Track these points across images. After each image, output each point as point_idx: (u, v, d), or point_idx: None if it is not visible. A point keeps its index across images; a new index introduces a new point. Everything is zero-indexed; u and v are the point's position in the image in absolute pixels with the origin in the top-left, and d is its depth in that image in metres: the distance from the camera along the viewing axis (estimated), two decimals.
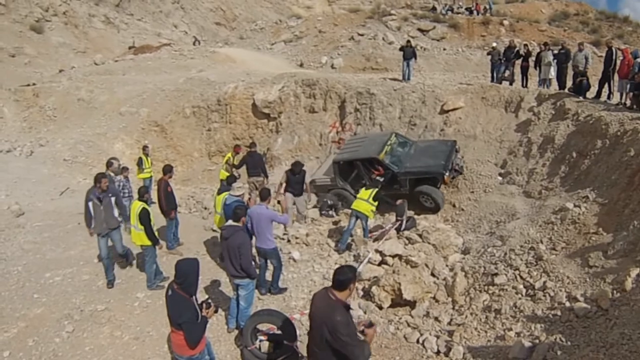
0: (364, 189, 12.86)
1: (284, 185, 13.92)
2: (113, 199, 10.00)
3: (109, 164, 13.70)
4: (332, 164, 16.02)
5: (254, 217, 9.25)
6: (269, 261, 9.85)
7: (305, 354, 7.75)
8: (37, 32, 34.66)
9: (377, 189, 12.74)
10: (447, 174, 14.12)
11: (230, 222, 8.28)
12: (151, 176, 17.09)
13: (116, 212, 10.08)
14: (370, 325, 5.37)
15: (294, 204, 14.12)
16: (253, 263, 8.34)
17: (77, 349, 7.89)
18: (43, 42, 34.42)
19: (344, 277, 5.15)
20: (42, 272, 10.29)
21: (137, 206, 9.63)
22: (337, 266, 11.17)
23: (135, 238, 9.78)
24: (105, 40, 38.99)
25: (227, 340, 8.64)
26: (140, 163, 16.83)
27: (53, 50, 34.23)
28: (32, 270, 10.41)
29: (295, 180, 13.83)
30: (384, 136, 16.11)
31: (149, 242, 9.67)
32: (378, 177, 14.61)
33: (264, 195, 9.68)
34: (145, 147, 17.85)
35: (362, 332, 5.28)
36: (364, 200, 12.42)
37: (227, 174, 14.39)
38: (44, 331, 8.28)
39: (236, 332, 8.69)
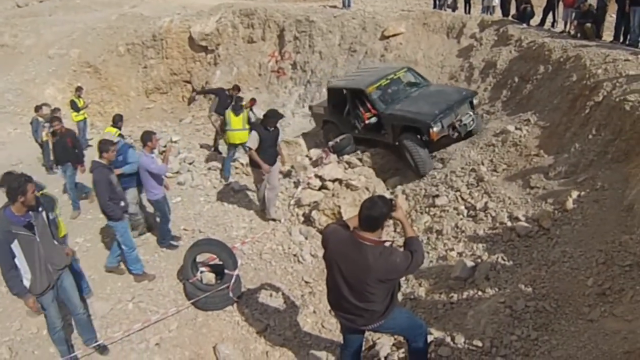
0: (233, 115, 12.02)
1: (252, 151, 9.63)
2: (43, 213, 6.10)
3: (37, 109, 13.12)
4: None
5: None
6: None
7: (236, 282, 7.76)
8: None
9: (247, 111, 12.29)
10: (435, 128, 10.96)
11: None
12: (85, 118, 16.44)
13: None
14: (391, 207, 4.29)
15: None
16: (118, 203, 7.53)
17: (17, 302, 7.20)
18: None
19: (377, 213, 4.09)
20: None
21: (113, 132, 10.39)
22: (278, 194, 11.21)
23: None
24: None
25: (169, 276, 8.47)
26: (73, 105, 16.10)
27: None
28: None
29: (268, 139, 9.70)
30: (391, 69, 13.74)
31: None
32: (368, 119, 12.36)
33: (144, 139, 8.45)
34: (78, 89, 17.06)
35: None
36: (239, 130, 12.01)
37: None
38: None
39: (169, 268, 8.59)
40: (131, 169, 8.64)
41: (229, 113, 12.18)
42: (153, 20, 22.47)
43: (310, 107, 15.39)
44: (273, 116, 9.79)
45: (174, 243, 9.30)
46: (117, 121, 11.28)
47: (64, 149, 10.64)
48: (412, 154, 11.21)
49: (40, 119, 13.03)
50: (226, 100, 13.54)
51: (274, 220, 10.30)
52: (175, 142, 15.57)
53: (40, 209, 5.66)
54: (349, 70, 17.14)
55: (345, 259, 4.29)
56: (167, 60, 21.77)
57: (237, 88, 14.26)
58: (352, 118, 12.93)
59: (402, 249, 4.43)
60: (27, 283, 5.49)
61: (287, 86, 18.86)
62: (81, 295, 6.64)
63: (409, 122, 11.46)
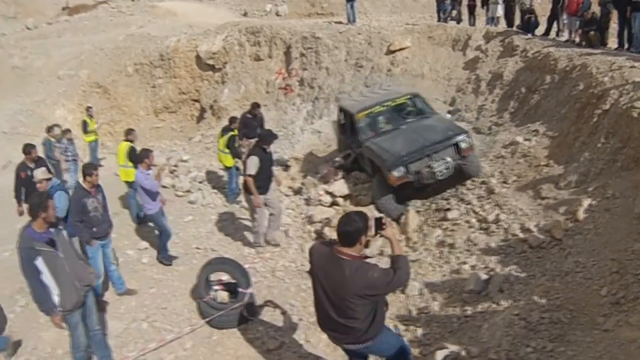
0: (220, 135, 12.06)
1: (252, 175, 9.02)
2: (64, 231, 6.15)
3: (48, 130, 13.29)
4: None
5: None
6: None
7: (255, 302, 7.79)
8: None
9: (230, 134, 12.15)
10: (395, 172, 9.89)
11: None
12: (96, 139, 16.63)
13: None
14: (380, 224, 4.27)
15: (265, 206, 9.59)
16: (90, 227, 7.48)
17: (32, 322, 7.54)
18: None
19: (352, 228, 4.05)
20: None
21: (124, 146, 10.71)
22: (289, 212, 11.27)
23: (124, 176, 10.55)
24: (36, 3, 37.00)
25: (182, 295, 8.50)
26: (84, 126, 16.29)
27: None
28: None
29: (266, 161, 9.25)
30: (395, 94, 12.63)
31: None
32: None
33: (141, 156, 8.91)
34: (88, 108, 17.26)
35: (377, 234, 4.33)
36: (221, 151, 12.17)
37: None
38: None
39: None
40: (58, 213, 8.07)
41: (219, 133, 12.22)
42: (160, 40, 22.63)
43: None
44: (269, 136, 9.56)
45: (169, 261, 9.50)
46: (128, 134, 11.41)
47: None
48: (374, 196, 10.58)
49: (52, 140, 13.19)
50: (251, 122, 13.34)
51: (277, 245, 9.96)
52: (185, 161, 15.72)
53: (60, 226, 5.75)
54: (356, 85, 17.21)
55: (325, 274, 4.30)
56: (175, 80, 21.89)
57: (253, 105, 13.92)
58: (349, 139, 12.33)
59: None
60: (56, 299, 5.53)
61: (295, 103, 18.89)
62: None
63: (376, 160, 10.60)
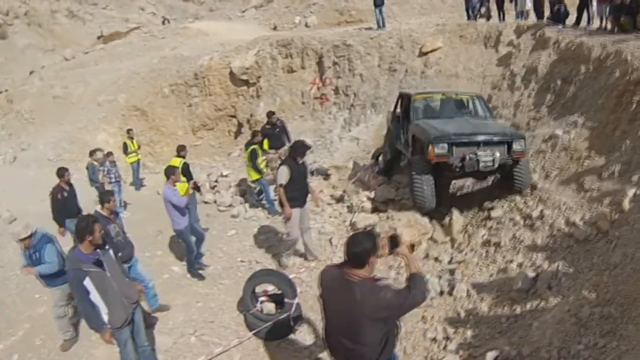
0: (245, 151, 12.17)
1: (282, 185, 8.93)
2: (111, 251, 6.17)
3: (91, 154, 13.65)
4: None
5: None
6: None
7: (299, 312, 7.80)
8: (0, 37, 33.89)
9: (252, 148, 12.24)
10: (436, 147, 9.35)
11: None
12: (138, 159, 17.01)
13: None
14: (395, 242, 4.11)
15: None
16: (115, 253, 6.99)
17: (83, 341, 7.74)
18: (9, 46, 34.02)
19: (359, 249, 3.91)
20: None
21: (177, 162, 11.01)
22: (332, 220, 11.31)
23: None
24: (72, 34, 38.42)
25: (229, 308, 8.59)
26: (125, 148, 16.70)
27: (20, 53, 33.82)
28: None
29: (298, 172, 9.00)
30: (461, 91, 12.75)
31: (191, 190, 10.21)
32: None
33: (167, 173, 9.11)
34: (129, 131, 17.67)
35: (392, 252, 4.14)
36: (247, 165, 12.48)
37: None
38: (49, 329, 8.08)
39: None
40: (49, 269, 7.32)
41: (244, 147, 12.44)
42: (193, 59, 23.05)
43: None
44: (301, 147, 9.24)
45: (201, 272, 9.70)
46: (180, 151, 11.75)
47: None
48: (413, 179, 9.81)
49: (95, 163, 13.55)
50: (272, 132, 13.52)
51: (316, 259, 9.75)
52: (225, 176, 15.92)
53: (107, 247, 5.92)
54: (392, 90, 17.15)
55: (336, 297, 4.15)
56: (210, 97, 22.24)
57: (268, 114, 14.11)
58: (401, 125, 11.89)
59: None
60: (105, 318, 5.69)
61: (332, 112, 19.03)
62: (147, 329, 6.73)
63: (421, 136, 10.08)
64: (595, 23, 14.96)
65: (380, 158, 13.22)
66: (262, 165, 12.36)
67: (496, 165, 9.43)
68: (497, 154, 9.36)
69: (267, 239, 11.14)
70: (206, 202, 13.56)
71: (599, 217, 7.63)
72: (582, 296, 6.06)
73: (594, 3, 14.79)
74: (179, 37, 29.33)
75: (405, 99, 11.98)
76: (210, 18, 35.76)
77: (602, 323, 5.46)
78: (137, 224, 11.97)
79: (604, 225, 7.41)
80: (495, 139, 9.56)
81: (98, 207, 7.68)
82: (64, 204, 9.92)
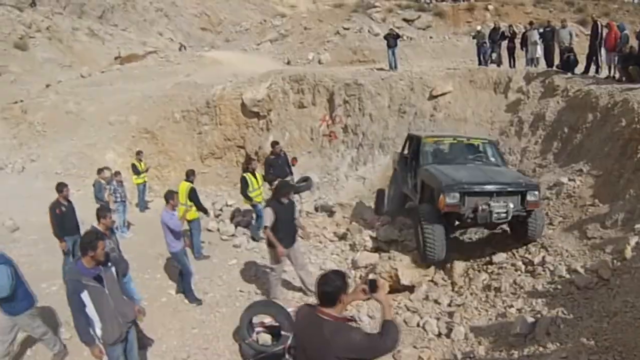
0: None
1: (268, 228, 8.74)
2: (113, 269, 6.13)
3: (99, 172, 13.75)
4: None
5: None
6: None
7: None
8: (21, 49, 34.37)
9: (242, 175, 12.42)
10: (447, 197, 9.03)
11: None
12: (145, 181, 17.07)
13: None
14: (374, 287, 4.02)
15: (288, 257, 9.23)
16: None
17: (75, 356, 7.72)
18: (28, 58, 34.22)
19: (330, 288, 3.92)
20: (39, 283, 10.07)
21: (185, 186, 11.32)
22: (333, 257, 11.30)
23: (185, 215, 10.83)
24: (91, 52, 38.85)
25: (225, 336, 8.53)
26: (134, 169, 16.79)
27: (38, 66, 34.02)
28: (28, 281, 10.24)
29: (284, 214, 8.81)
30: (473, 136, 12.56)
31: (197, 215, 11.05)
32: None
33: (167, 197, 9.25)
34: (139, 152, 17.75)
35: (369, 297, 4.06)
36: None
37: None
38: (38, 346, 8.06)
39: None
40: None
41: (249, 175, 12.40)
42: (206, 87, 23.13)
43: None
44: (284, 187, 9.20)
45: (195, 301, 9.57)
46: (190, 175, 11.86)
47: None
48: (423, 229, 9.39)
49: (102, 182, 13.63)
50: (276, 162, 13.56)
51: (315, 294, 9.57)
52: (230, 205, 15.97)
53: (109, 264, 5.92)
54: (400, 131, 17.16)
55: (307, 335, 4.08)
56: (220, 126, 22.24)
57: (272, 144, 14.30)
58: (407, 169, 11.72)
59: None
60: (99, 332, 5.71)
61: (339, 149, 19.09)
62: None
63: (431, 182, 9.86)
64: (604, 72, 15.20)
65: (386, 200, 13.20)
66: (253, 195, 12.33)
67: (509, 218, 9.20)
68: (511, 205, 9.08)
69: (269, 271, 11.11)
70: (209, 230, 13.57)
71: (600, 265, 7.66)
72: (581, 343, 6.06)
73: (603, 52, 15.02)
74: (194, 65, 29.59)
75: (414, 141, 11.80)
76: (226, 48, 36.11)
77: None
78: (139, 245, 12.07)
79: (606, 273, 7.44)
80: (509, 189, 9.28)
81: (95, 223, 7.82)
82: (62, 219, 9.93)
